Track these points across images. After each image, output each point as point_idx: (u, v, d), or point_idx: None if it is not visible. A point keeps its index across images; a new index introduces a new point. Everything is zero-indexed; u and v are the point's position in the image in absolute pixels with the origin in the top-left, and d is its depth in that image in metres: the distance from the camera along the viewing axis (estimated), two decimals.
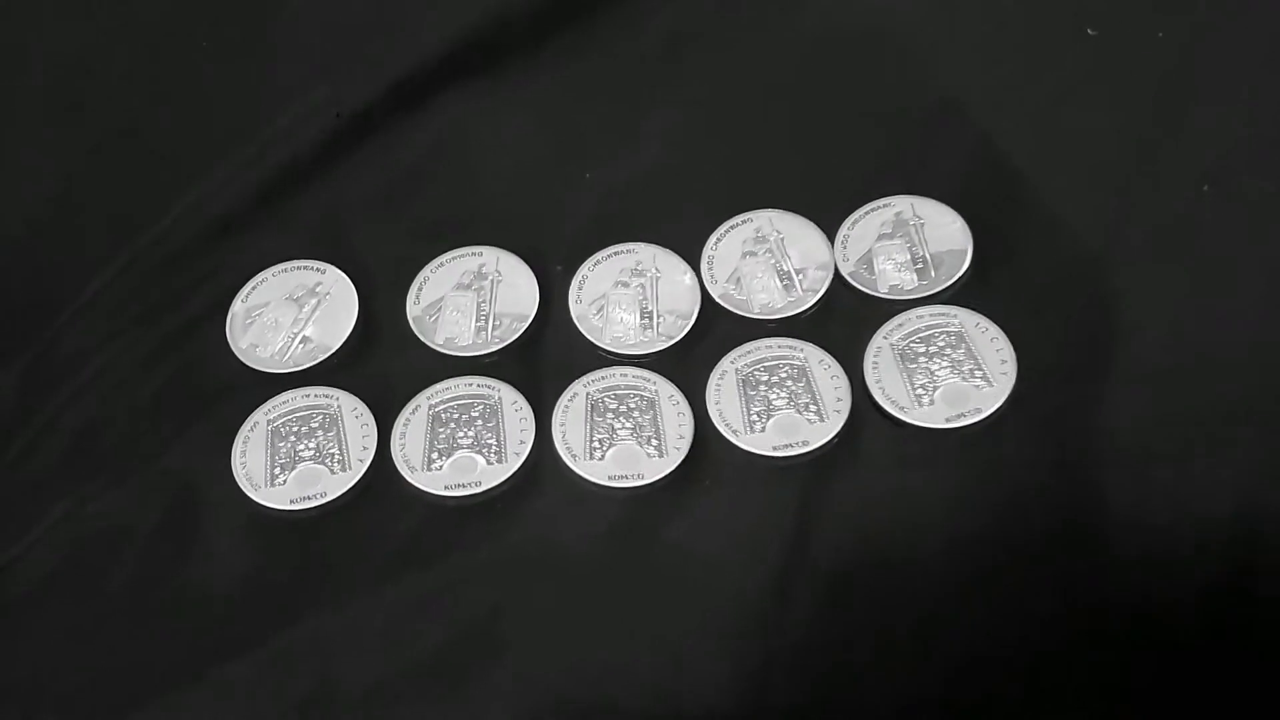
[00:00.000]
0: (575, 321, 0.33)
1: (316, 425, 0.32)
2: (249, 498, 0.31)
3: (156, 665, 0.29)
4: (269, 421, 0.32)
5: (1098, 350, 0.31)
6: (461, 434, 0.31)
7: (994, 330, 0.31)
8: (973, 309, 0.31)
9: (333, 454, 0.31)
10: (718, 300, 0.33)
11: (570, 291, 0.33)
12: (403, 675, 0.29)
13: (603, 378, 0.32)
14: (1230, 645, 0.27)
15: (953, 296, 0.32)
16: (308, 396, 0.32)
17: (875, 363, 0.31)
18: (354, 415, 0.32)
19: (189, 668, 0.29)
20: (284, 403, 0.32)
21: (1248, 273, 0.31)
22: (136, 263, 0.35)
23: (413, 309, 0.33)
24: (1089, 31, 0.35)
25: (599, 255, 0.34)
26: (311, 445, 0.32)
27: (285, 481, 0.31)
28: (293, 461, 0.31)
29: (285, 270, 0.34)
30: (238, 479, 0.31)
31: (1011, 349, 0.31)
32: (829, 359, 0.31)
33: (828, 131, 0.35)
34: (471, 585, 0.30)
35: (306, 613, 0.29)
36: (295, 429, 0.32)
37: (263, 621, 0.29)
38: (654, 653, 0.29)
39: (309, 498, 0.31)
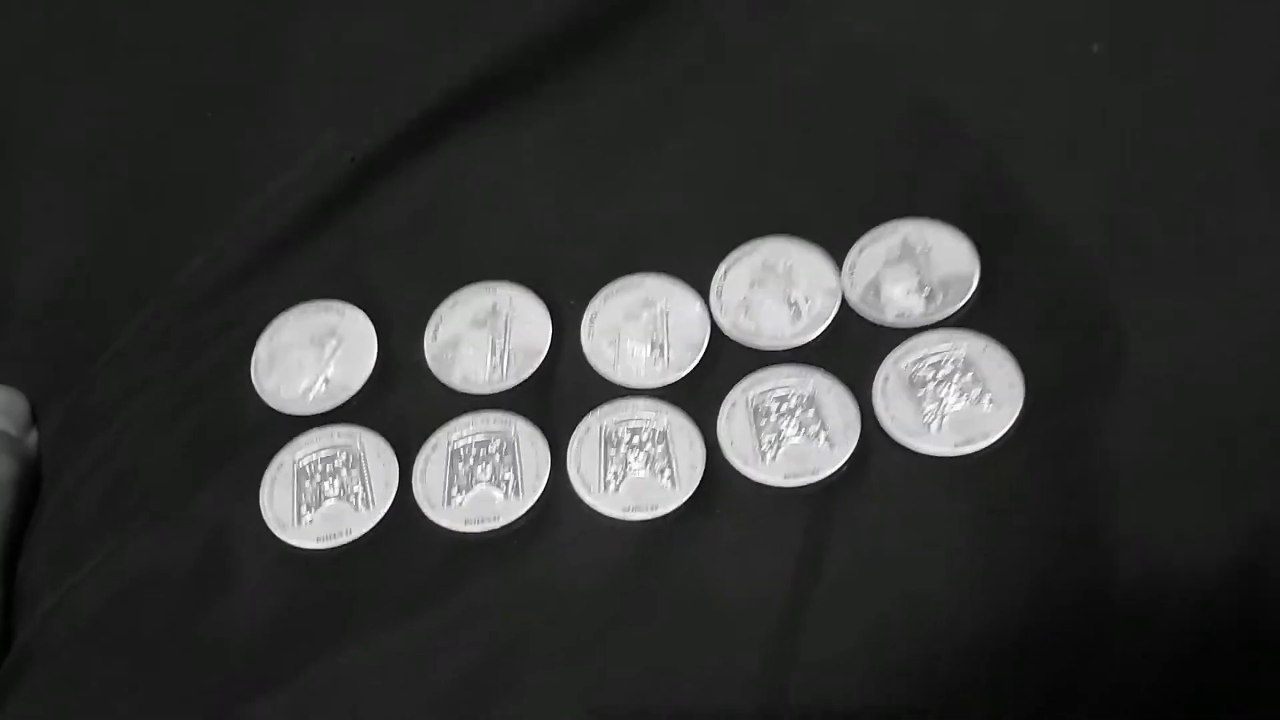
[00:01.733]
0: (587, 355, 0.33)
1: (340, 464, 0.33)
2: (277, 537, 0.32)
3: (192, 704, 0.30)
4: (294, 462, 0.33)
5: (1106, 371, 0.31)
6: (480, 469, 0.32)
7: (1001, 354, 0.31)
8: (980, 333, 0.32)
9: (357, 492, 0.32)
10: (726, 330, 0.33)
11: (582, 325, 0.34)
12: (426, 706, 0.29)
13: (615, 410, 0.33)
14: (1235, 671, 0.27)
15: (960, 321, 0.32)
16: (332, 436, 0.33)
17: (884, 389, 0.31)
18: (376, 454, 0.33)
19: (222, 705, 0.30)
20: (309, 443, 0.33)
21: (1258, 291, 0.31)
22: (163, 311, 0.36)
23: (430, 347, 0.34)
24: (1094, 48, 0.35)
25: (609, 289, 0.34)
26: (336, 484, 0.32)
27: (312, 520, 0.32)
28: (318, 500, 0.32)
29: (305, 313, 0.35)
30: (266, 519, 0.32)
31: (1019, 372, 0.31)
32: (838, 386, 0.32)
33: (834, 157, 0.35)
34: (492, 618, 0.30)
35: (334, 648, 0.30)
36: (320, 469, 0.33)
37: (291, 658, 0.30)
38: (671, 680, 0.29)
39: (334, 535, 0.32)
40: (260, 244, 0.36)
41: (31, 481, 0.35)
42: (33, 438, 0.36)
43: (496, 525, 0.31)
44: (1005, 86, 0.35)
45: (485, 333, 0.34)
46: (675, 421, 0.32)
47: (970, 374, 0.31)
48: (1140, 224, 0.32)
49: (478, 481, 0.32)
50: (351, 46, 0.39)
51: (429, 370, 0.34)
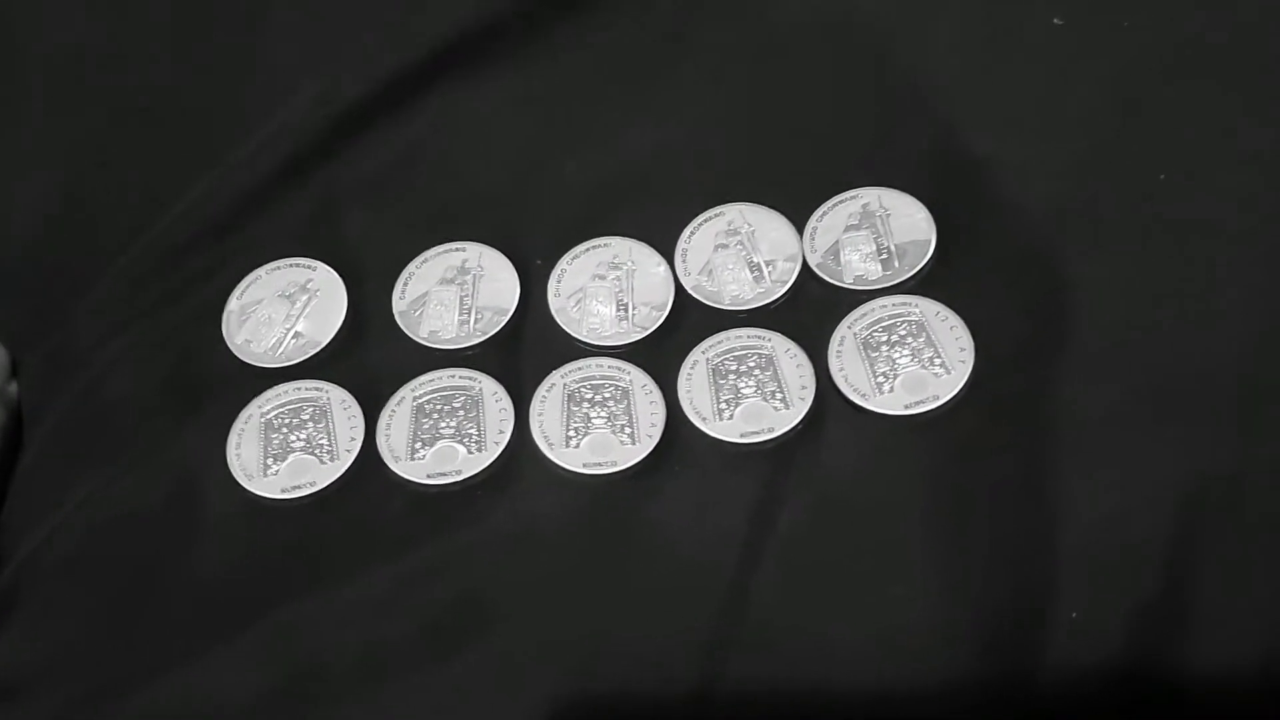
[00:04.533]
0: (554, 314, 0.34)
1: (307, 417, 0.33)
2: (243, 487, 0.32)
3: (164, 642, 0.31)
4: (263, 414, 0.34)
5: (1055, 338, 0.31)
6: (444, 424, 0.33)
7: (954, 319, 0.32)
8: (934, 298, 0.32)
9: (322, 444, 0.33)
10: (690, 292, 0.34)
11: (549, 285, 0.35)
12: (391, 647, 0.30)
13: (579, 368, 0.33)
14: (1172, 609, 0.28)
15: (916, 286, 0.33)
16: (299, 389, 0.34)
17: (839, 351, 0.32)
18: (343, 407, 0.33)
19: (192, 644, 0.31)
20: (277, 396, 0.34)
21: (1205, 260, 0.32)
22: (139, 260, 0.36)
23: (398, 304, 0.35)
24: (1055, 21, 0.35)
25: (577, 249, 0.35)
26: (302, 436, 0.33)
27: (278, 471, 0.33)
28: (285, 452, 0.33)
29: (277, 268, 0.36)
30: (233, 469, 0.33)
31: (970, 337, 0.32)
32: (795, 348, 0.32)
33: (799, 125, 0.36)
34: (453, 567, 0.31)
35: (297, 596, 0.31)
36: (287, 421, 0.33)
37: (256, 604, 0.31)
38: (628, 626, 0.30)
39: (299, 487, 0.32)
40: (236, 198, 0.36)
41: (14, 429, 0.35)
42: (13, 387, 0.36)
43: (459, 479, 0.32)
44: (968, 60, 0.35)
45: (454, 290, 0.35)
46: (637, 380, 0.33)
47: (923, 337, 0.32)
48: (1094, 197, 0.33)
49: (441, 436, 0.33)
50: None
51: (397, 326, 0.34)
